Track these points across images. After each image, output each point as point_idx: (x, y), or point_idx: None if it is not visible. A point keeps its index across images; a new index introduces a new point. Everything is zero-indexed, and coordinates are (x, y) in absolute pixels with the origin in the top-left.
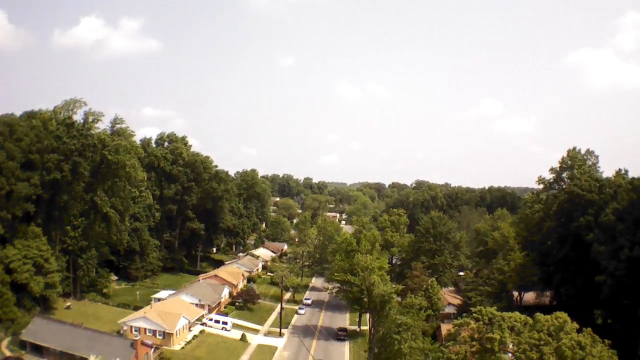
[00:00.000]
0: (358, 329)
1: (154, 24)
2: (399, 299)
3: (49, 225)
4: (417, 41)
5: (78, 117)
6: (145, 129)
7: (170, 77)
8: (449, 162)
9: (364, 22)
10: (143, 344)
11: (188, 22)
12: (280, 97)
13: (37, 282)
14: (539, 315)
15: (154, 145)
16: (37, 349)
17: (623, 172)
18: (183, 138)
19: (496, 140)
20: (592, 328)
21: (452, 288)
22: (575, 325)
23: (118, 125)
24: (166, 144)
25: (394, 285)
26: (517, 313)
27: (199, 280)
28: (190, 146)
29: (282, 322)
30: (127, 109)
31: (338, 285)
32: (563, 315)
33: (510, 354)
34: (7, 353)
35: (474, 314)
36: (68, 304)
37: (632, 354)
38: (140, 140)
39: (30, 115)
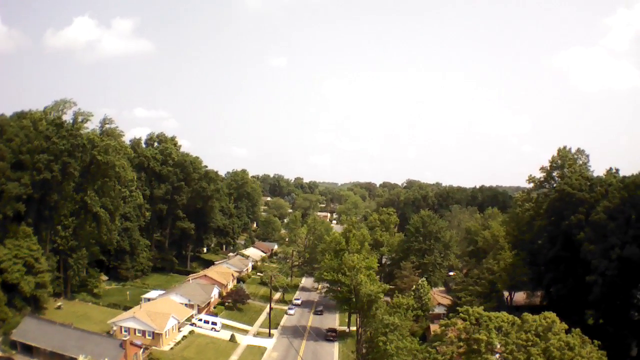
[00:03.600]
0: (347, 330)
1: (147, 24)
2: (388, 299)
3: (40, 225)
4: (408, 43)
5: (68, 117)
6: (137, 129)
7: (162, 77)
8: (440, 162)
9: (355, 22)
10: (132, 344)
11: (181, 23)
12: (272, 98)
13: (27, 282)
14: (527, 315)
15: (143, 146)
16: (27, 349)
17: (614, 171)
18: (172, 138)
19: (488, 139)
20: (584, 329)
21: (442, 288)
22: (564, 325)
23: (107, 126)
24: (156, 144)
25: (381, 285)
26: (504, 313)
27: (189, 280)
28: (180, 146)
29: (272, 322)
30: (119, 109)
31: (327, 285)
32: (551, 315)
33: (497, 355)
34: None
35: (460, 314)
36: (59, 304)
37: (624, 354)
38: (130, 141)
39: (20, 116)
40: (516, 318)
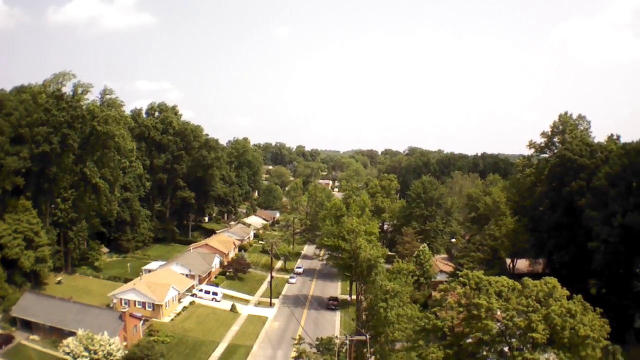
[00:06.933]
0: (349, 298)
1: None
2: (390, 266)
3: (39, 198)
4: (412, 14)
5: (67, 89)
6: (139, 101)
7: (165, 50)
8: (442, 130)
9: None
10: (131, 316)
11: None
12: (275, 68)
13: (27, 257)
14: (527, 280)
15: (144, 116)
16: (27, 325)
17: (615, 137)
18: (173, 107)
19: (491, 108)
20: (586, 299)
21: (444, 255)
22: (566, 291)
23: (107, 96)
24: (157, 113)
25: (381, 249)
26: (504, 277)
27: (190, 250)
28: (181, 115)
29: (273, 291)
30: (122, 82)
31: (328, 252)
32: (552, 281)
33: (498, 323)
34: None
35: (460, 278)
36: (59, 278)
37: (627, 325)
38: (131, 111)
39: (20, 90)
40: (516, 283)
